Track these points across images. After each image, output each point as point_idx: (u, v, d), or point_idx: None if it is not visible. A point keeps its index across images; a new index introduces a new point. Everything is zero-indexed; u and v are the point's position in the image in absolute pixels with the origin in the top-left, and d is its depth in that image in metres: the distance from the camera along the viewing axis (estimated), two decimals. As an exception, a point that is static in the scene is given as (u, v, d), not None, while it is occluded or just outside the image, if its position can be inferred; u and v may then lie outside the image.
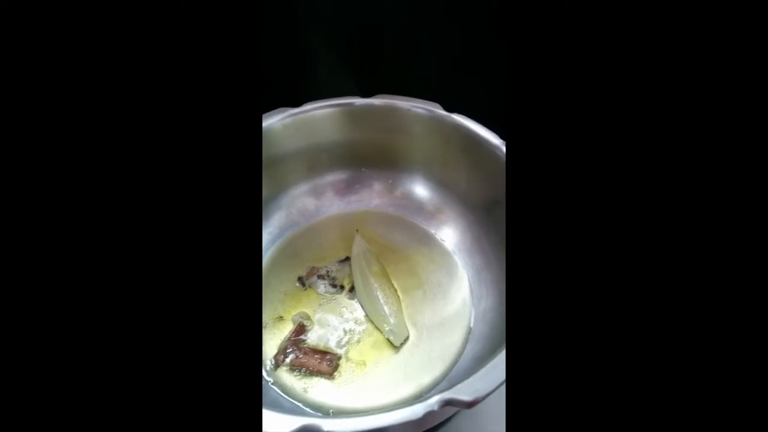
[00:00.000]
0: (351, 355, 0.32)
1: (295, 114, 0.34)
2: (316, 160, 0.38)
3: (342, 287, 0.35)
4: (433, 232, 0.38)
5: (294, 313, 0.33)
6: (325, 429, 0.20)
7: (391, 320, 0.32)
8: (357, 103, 0.35)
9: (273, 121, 0.34)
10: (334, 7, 0.36)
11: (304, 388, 0.30)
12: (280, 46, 0.37)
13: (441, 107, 0.34)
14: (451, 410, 0.22)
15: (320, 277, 0.35)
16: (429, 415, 0.21)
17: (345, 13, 0.36)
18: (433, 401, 0.21)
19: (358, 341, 0.32)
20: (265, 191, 0.36)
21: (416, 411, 0.21)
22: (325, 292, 0.34)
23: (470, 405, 0.21)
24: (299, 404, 0.29)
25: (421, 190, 0.38)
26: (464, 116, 0.33)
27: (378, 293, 0.33)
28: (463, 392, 0.21)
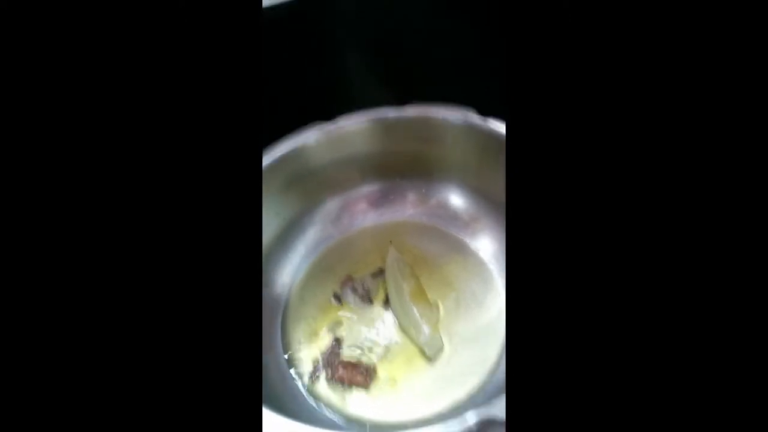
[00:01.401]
0: (386, 366, 0.32)
1: (330, 129, 0.35)
2: (350, 173, 0.38)
3: (371, 300, 0.35)
4: (468, 241, 0.37)
5: (328, 322, 0.34)
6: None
7: (426, 332, 0.32)
8: (391, 115, 0.35)
9: (308, 137, 0.34)
10: (364, 17, 0.36)
11: (342, 401, 0.30)
12: (312, 61, 0.38)
13: (476, 112, 0.33)
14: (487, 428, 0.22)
15: (353, 290, 0.35)
16: (466, 433, 0.21)
17: (373, 22, 0.36)
18: (471, 423, 0.21)
19: (393, 353, 0.32)
20: (300, 206, 0.37)
21: (453, 429, 0.21)
22: (354, 306, 0.35)
23: (508, 424, 0.21)
24: (336, 418, 0.30)
25: (456, 198, 0.38)
26: (500, 120, 0.33)
27: (412, 305, 0.33)
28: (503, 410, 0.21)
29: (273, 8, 0.37)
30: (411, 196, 0.39)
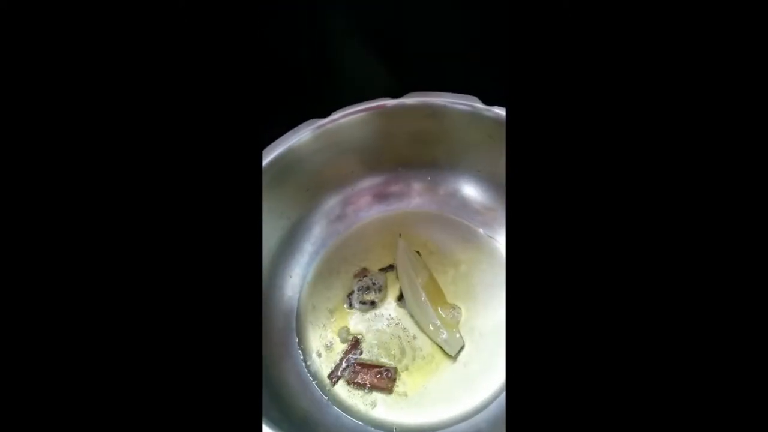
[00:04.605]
0: (408, 367, 0.31)
1: (325, 124, 0.32)
2: (351, 167, 0.36)
3: (373, 303, 0.34)
4: (480, 230, 0.36)
5: (340, 328, 0.33)
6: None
7: (445, 329, 0.31)
8: (389, 105, 0.32)
9: (303, 135, 0.32)
10: (360, 6, 0.33)
11: (364, 405, 0.30)
12: (304, 54, 0.35)
13: (479, 101, 0.31)
14: None
15: (366, 288, 0.34)
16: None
17: (371, 11, 0.33)
18: None
19: (414, 353, 0.32)
20: (303, 205, 0.35)
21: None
22: (368, 305, 0.34)
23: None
24: (361, 423, 0.30)
25: (467, 187, 0.36)
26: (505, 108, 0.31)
27: (428, 303, 0.32)
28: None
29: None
30: (417, 186, 0.37)
